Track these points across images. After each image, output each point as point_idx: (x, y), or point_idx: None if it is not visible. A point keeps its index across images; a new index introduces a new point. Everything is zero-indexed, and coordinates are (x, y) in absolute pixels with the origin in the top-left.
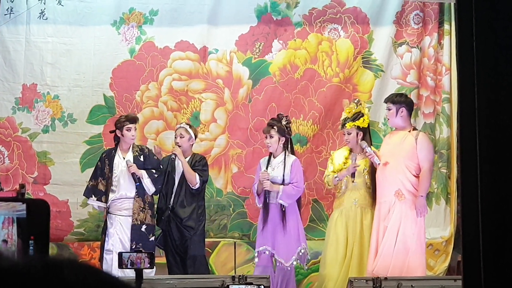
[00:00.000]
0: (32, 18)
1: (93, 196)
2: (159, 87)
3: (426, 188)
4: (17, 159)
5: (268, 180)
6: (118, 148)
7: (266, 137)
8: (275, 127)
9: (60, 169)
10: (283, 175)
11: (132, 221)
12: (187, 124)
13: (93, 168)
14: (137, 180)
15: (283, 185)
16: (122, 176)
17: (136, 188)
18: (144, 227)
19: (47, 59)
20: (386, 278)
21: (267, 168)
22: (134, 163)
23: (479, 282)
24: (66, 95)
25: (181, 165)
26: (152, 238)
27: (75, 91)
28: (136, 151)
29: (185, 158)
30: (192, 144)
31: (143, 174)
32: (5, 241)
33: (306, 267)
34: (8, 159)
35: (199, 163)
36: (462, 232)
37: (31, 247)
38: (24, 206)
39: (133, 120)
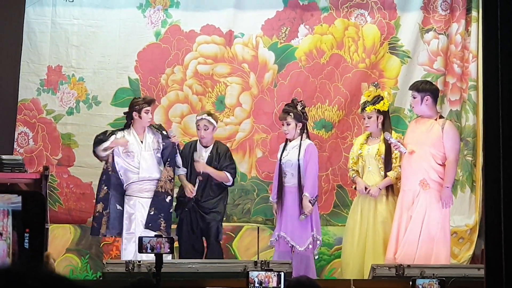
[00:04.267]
0: (58, 0)
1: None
2: (184, 71)
3: (452, 179)
4: (41, 141)
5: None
6: (133, 129)
7: (283, 124)
8: (291, 114)
9: (84, 152)
10: (298, 159)
11: (157, 187)
12: (207, 113)
13: None
14: (176, 151)
15: (299, 169)
16: (142, 158)
17: (170, 158)
18: (168, 198)
19: (72, 41)
20: (409, 266)
21: (282, 152)
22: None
23: (500, 271)
24: (91, 77)
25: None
26: (172, 210)
27: (100, 73)
28: (155, 128)
29: (208, 147)
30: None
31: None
32: (0, 233)
33: (316, 255)
34: (32, 140)
35: (224, 159)
36: (485, 221)
37: (26, 240)
38: (19, 198)
39: (151, 102)
